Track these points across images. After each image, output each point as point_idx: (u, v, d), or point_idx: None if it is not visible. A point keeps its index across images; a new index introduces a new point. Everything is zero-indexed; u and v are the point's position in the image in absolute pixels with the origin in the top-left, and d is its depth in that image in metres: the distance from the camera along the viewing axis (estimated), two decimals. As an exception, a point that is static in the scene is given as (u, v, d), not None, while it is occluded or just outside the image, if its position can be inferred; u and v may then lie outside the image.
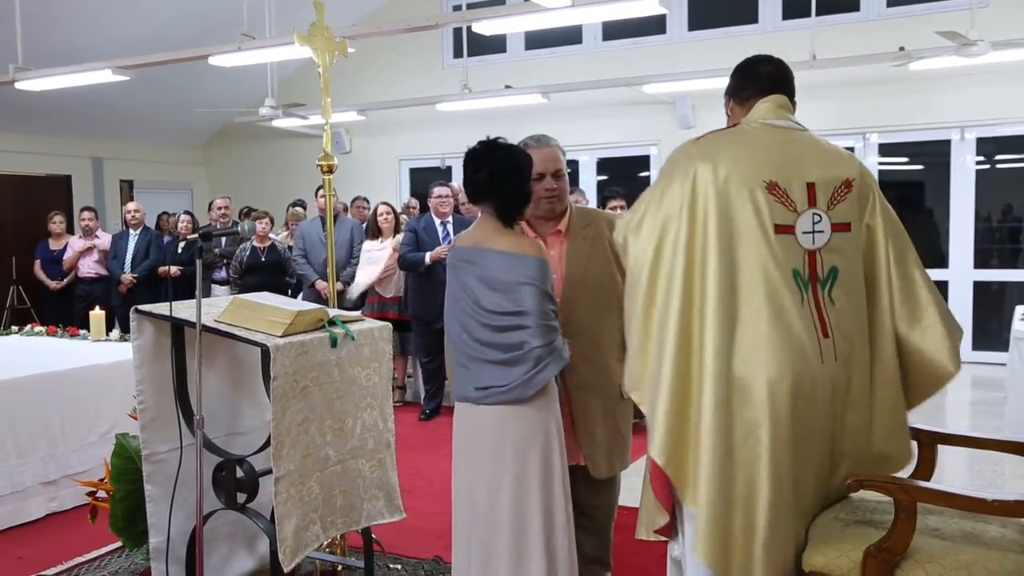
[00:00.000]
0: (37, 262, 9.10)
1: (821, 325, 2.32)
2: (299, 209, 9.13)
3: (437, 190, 6.87)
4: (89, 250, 8.81)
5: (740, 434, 2.27)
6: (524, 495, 2.68)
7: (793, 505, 2.31)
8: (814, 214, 2.37)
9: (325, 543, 3.49)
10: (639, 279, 2.40)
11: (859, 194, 2.46)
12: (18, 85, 8.13)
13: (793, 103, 2.54)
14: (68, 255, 8.83)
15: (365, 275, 7.19)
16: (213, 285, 8.24)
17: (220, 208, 8.51)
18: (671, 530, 2.47)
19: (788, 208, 2.35)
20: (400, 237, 7.11)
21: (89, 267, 8.80)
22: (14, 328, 6.35)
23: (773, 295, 2.29)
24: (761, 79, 2.54)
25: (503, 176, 2.71)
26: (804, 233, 2.36)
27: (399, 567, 3.85)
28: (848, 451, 2.42)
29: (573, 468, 2.90)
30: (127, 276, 8.48)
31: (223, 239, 8.22)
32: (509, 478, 2.68)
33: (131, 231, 8.70)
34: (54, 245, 9.06)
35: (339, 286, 7.19)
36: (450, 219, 6.84)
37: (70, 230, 9.50)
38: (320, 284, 7.32)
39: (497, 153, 2.74)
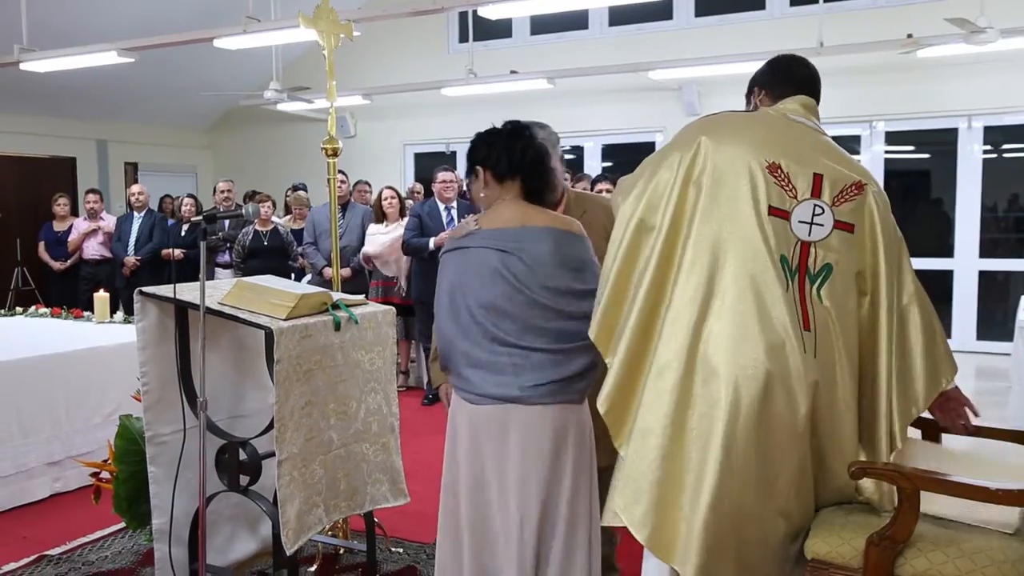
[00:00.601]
0: (41, 244, 9.11)
1: (803, 317, 2.23)
2: (303, 194, 9.11)
3: (442, 175, 6.86)
4: (94, 232, 8.82)
5: (698, 410, 2.19)
6: (576, 498, 2.59)
7: (755, 501, 2.19)
8: (816, 205, 2.30)
9: (328, 526, 3.50)
10: (623, 236, 2.36)
11: (867, 206, 2.37)
12: (23, 66, 8.11)
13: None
14: (72, 237, 8.84)
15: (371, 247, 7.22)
16: (217, 268, 8.24)
17: (223, 192, 8.50)
18: None
19: (787, 193, 2.29)
20: (406, 221, 7.12)
21: (94, 249, 8.81)
22: (19, 309, 6.37)
23: (758, 274, 2.22)
24: (798, 81, 2.55)
25: (543, 157, 2.68)
26: (801, 222, 2.28)
27: (401, 551, 3.86)
28: (836, 467, 2.30)
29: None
30: (130, 259, 8.49)
31: (227, 222, 8.22)
32: (567, 481, 2.57)
33: (135, 213, 8.70)
34: (58, 227, 9.06)
35: (346, 272, 7.22)
36: (454, 204, 6.83)
37: (74, 212, 9.50)
38: (328, 272, 7.33)
39: (540, 134, 2.73)
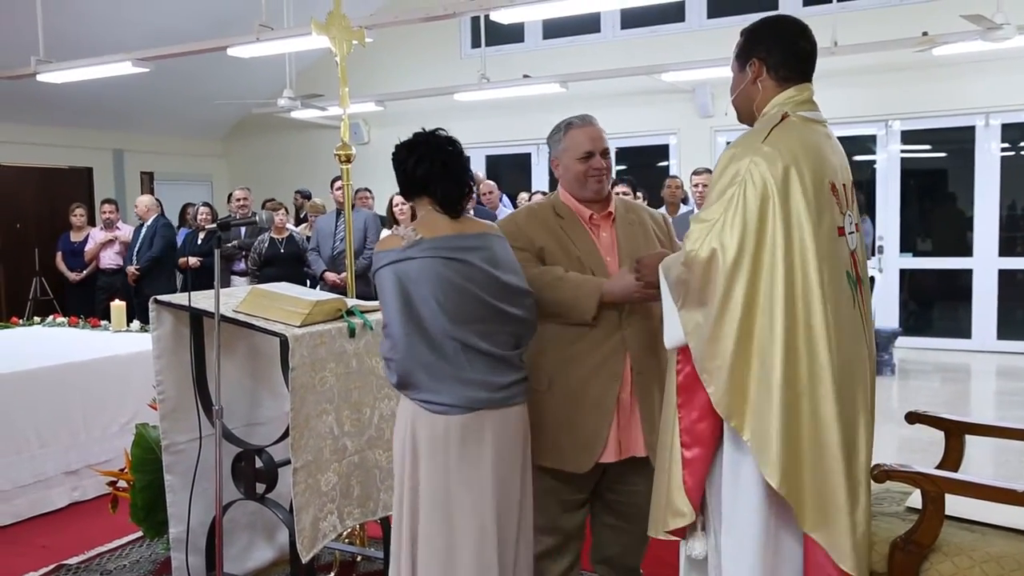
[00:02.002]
0: (59, 254, 9.16)
1: (865, 329, 2.25)
2: (317, 201, 9.14)
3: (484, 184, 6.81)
4: (110, 242, 8.86)
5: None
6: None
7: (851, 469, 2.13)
8: (848, 214, 2.29)
9: (344, 533, 3.49)
10: (736, 266, 2.11)
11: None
12: (40, 77, 8.17)
13: None
14: (89, 247, 8.88)
15: None
16: (233, 276, 8.26)
17: (239, 200, 8.53)
18: (686, 530, 2.32)
19: (840, 209, 2.24)
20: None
21: (110, 258, 8.85)
22: (37, 319, 6.40)
23: (843, 293, 2.19)
24: (803, 62, 2.34)
25: (450, 167, 2.59)
26: (849, 233, 2.27)
27: (419, 557, 3.83)
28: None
29: (628, 460, 2.78)
30: (130, 268, 8.51)
31: (243, 231, 8.24)
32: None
33: (144, 223, 8.73)
34: (75, 237, 9.11)
35: (335, 277, 7.25)
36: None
37: (91, 222, 9.55)
38: (329, 276, 7.37)
39: (442, 143, 2.61)
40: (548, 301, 2.71)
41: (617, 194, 3.13)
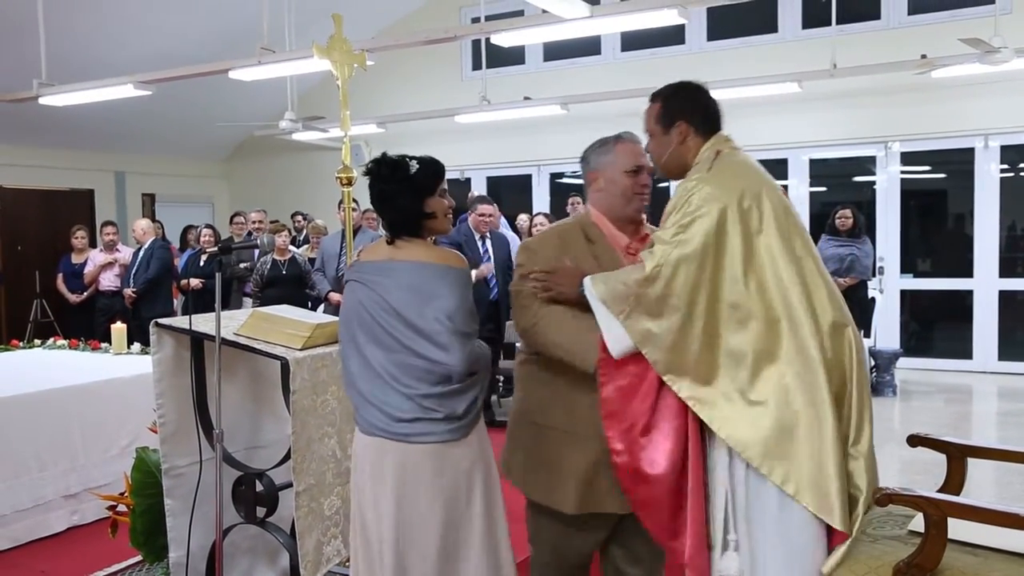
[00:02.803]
0: (60, 276, 9.17)
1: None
2: (320, 223, 9.16)
3: (482, 207, 6.77)
4: (110, 265, 8.86)
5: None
6: (467, 539, 2.52)
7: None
8: None
9: (347, 558, 3.47)
10: (699, 278, 2.38)
11: None
12: (42, 100, 8.20)
13: None
14: (88, 269, 8.89)
15: None
16: (244, 298, 8.26)
17: (255, 222, 8.56)
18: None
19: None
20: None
21: (110, 281, 8.85)
22: (37, 341, 6.39)
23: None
24: (715, 116, 2.64)
25: (390, 193, 2.58)
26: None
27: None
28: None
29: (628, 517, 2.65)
30: (128, 290, 8.51)
31: (255, 253, 8.25)
32: (443, 521, 2.49)
33: (143, 246, 8.74)
34: (76, 259, 9.13)
35: (339, 298, 7.25)
36: (488, 234, 6.80)
37: (93, 244, 9.56)
38: (333, 296, 7.38)
39: (383, 170, 2.59)
40: (549, 343, 2.61)
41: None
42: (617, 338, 2.42)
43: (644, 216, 2.87)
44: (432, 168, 2.62)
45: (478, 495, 2.54)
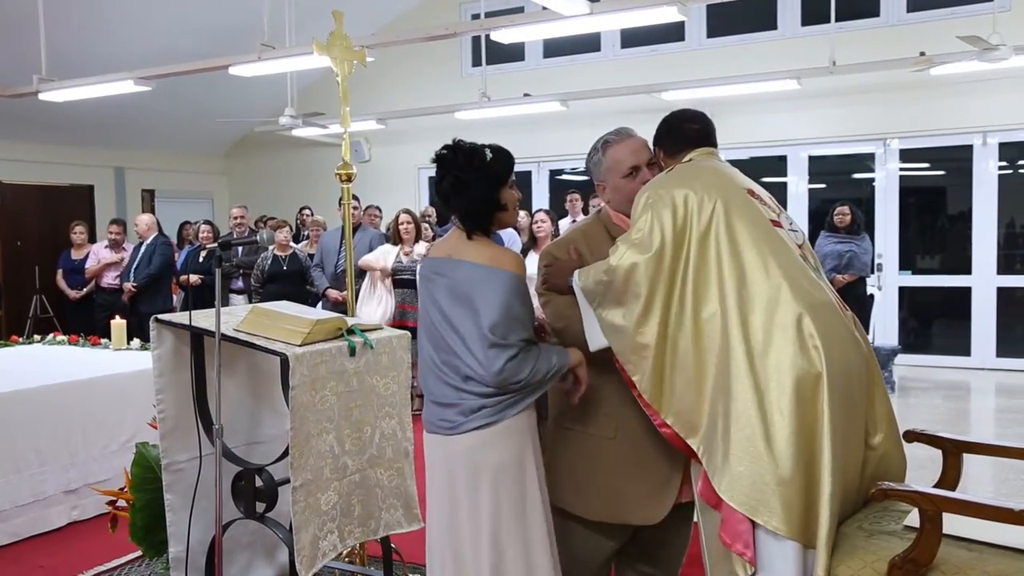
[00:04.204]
0: (59, 272, 9.17)
1: (838, 299, 2.56)
2: (320, 218, 9.17)
3: None
4: (115, 263, 8.84)
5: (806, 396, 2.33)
6: (497, 534, 2.48)
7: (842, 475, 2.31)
8: (782, 214, 2.63)
9: (344, 552, 3.48)
10: (656, 275, 2.45)
11: None
12: (42, 96, 8.21)
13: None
14: (90, 264, 8.88)
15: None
16: (231, 295, 8.27)
17: (236, 217, 8.55)
18: None
19: (771, 208, 2.59)
20: (423, 246, 7.17)
21: (110, 277, 8.85)
22: (37, 337, 6.40)
23: (801, 270, 2.47)
24: (690, 136, 2.71)
25: (466, 182, 2.50)
26: (791, 230, 2.59)
27: (418, 576, 3.84)
28: (876, 442, 2.51)
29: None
30: (128, 285, 8.51)
31: (240, 249, 8.27)
32: (485, 516, 2.48)
33: (144, 241, 8.74)
34: (76, 255, 9.13)
35: (337, 295, 7.30)
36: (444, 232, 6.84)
37: (92, 240, 9.56)
38: (332, 293, 7.40)
39: (459, 157, 2.52)
40: (574, 332, 2.61)
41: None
42: (593, 329, 2.55)
43: None
44: (506, 157, 2.57)
45: (485, 492, 2.50)
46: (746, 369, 2.32)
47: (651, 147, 2.77)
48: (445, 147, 2.55)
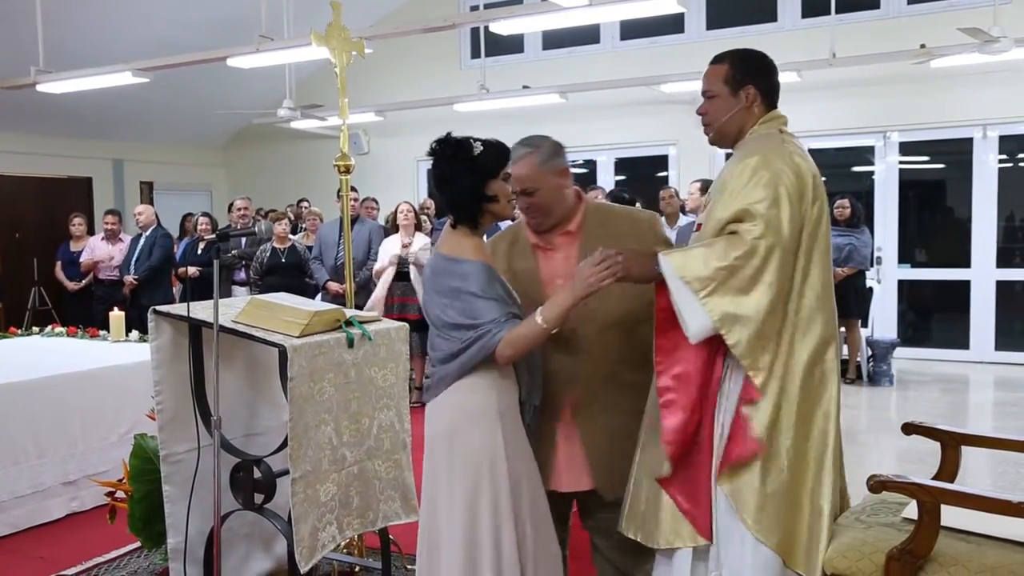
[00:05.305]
0: (58, 264, 9.17)
1: None
2: (317, 209, 9.17)
3: None
4: (107, 259, 8.82)
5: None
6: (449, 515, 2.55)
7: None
8: None
9: (342, 544, 3.49)
10: (787, 255, 2.36)
11: None
12: (39, 87, 8.19)
13: None
14: (84, 259, 8.87)
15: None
16: (234, 287, 8.27)
17: (240, 209, 8.54)
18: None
19: None
20: (422, 238, 7.18)
21: (109, 269, 8.84)
22: (35, 329, 6.40)
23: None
24: (777, 93, 2.61)
25: (450, 174, 2.55)
26: None
27: (416, 568, 3.83)
28: None
29: (585, 494, 2.81)
30: (128, 277, 8.50)
31: (243, 240, 8.26)
32: (434, 492, 2.61)
33: (143, 233, 8.73)
34: (75, 247, 9.12)
35: (337, 287, 7.29)
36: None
37: (91, 232, 9.55)
38: (332, 286, 7.39)
39: (446, 150, 2.57)
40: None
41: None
42: (697, 318, 2.33)
43: (573, 209, 2.85)
44: (496, 151, 2.57)
45: (450, 470, 2.56)
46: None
47: (733, 78, 2.57)
48: (435, 140, 2.59)
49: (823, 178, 2.54)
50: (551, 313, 2.42)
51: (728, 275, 2.30)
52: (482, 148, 2.54)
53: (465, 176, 2.53)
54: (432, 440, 2.60)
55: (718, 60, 2.61)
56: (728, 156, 2.67)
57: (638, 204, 7.01)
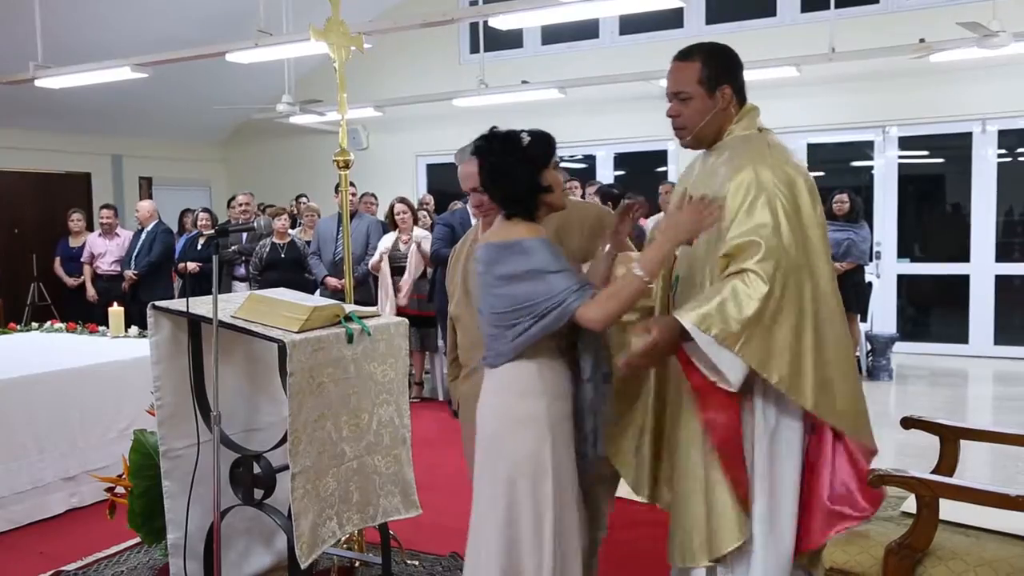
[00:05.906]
0: (57, 259, 9.17)
1: None
2: (315, 204, 9.16)
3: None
4: (101, 254, 8.82)
5: None
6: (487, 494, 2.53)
7: None
8: None
9: (342, 539, 3.49)
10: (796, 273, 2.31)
11: None
12: (38, 83, 8.18)
13: None
14: (84, 256, 8.87)
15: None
16: (234, 282, 8.26)
17: (242, 204, 8.54)
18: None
19: None
20: (420, 232, 7.16)
21: (108, 265, 8.84)
22: (35, 325, 6.40)
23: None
24: (745, 86, 2.56)
25: (503, 168, 2.50)
26: None
27: (416, 563, 3.85)
28: None
29: None
30: (128, 273, 8.50)
31: (243, 236, 8.26)
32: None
33: (143, 228, 8.72)
34: (74, 243, 9.12)
35: (336, 283, 7.31)
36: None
37: (90, 227, 9.54)
38: (331, 281, 7.39)
39: (495, 144, 2.53)
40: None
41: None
42: (734, 368, 2.25)
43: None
44: (545, 140, 2.54)
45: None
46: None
47: (708, 78, 2.51)
48: (481, 136, 2.55)
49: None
50: (649, 264, 2.34)
51: (756, 322, 2.23)
52: (530, 139, 2.51)
53: (519, 168, 2.49)
54: (479, 443, 2.55)
55: (686, 57, 2.52)
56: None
57: (634, 199, 7.00)
